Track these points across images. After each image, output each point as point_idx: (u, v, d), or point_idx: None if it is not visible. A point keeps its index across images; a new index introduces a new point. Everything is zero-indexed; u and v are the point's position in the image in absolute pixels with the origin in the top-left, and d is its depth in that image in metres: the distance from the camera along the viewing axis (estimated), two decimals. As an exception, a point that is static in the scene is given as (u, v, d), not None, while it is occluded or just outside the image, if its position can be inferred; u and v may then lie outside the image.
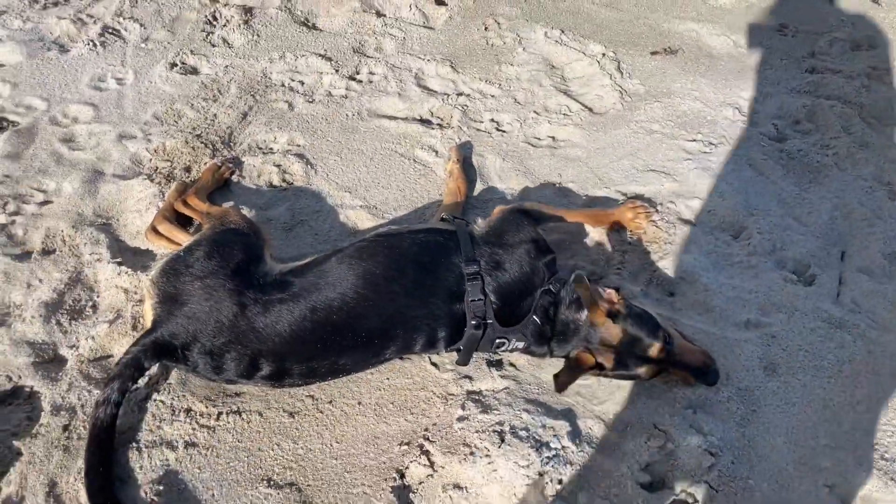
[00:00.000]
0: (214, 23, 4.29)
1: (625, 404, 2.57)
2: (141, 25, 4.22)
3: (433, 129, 3.64)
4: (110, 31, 4.16)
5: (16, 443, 2.33)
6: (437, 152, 3.49)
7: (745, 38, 4.47)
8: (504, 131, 3.68)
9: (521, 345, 2.58)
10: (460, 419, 2.49)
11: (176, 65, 3.93)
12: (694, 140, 3.66)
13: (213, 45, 4.12)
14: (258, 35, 4.21)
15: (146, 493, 2.24)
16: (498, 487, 2.31)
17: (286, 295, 2.38)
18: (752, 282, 2.98)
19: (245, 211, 3.12)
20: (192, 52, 4.04)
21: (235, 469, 2.34)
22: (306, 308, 2.35)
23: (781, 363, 2.73)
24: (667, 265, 3.02)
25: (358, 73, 3.98)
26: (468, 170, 3.38)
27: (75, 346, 2.63)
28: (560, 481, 2.32)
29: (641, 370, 2.49)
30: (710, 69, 4.20)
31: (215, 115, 3.61)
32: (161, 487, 2.27)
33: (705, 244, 3.14)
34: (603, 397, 2.60)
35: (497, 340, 2.54)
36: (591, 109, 3.84)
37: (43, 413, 2.41)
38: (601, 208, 3.25)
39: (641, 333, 2.46)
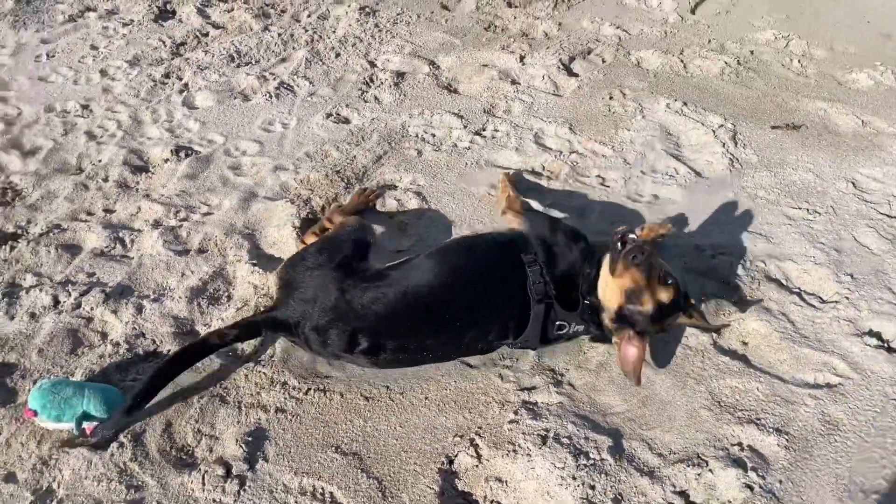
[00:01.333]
0: (370, 84, 4.96)
1: (674, 433, 2.69)
2: (310, 83, 4.98)
3: (540, 180, 3.98)
4: (285, 86, 4.94)
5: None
6: (536, 202, 3.81)
7: (876, 119, 4.47)
8: (608, 186, 3.95)
9: (580, 328, 2.88)
10: (511, 422, 2.73)
11: (332, 115, 4.60)
12: (798, 208, 3.74)
13: (366, 101, 4.77)
14: (405, 95, 4.82)
15: (237, 441, 2.68)
16: (534, 484, 2.52)
17: (382, 283, 2.83)
18: (832, 343, 3.00)
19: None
20: (347, 105, 4.71)
21: (312, 435, 2.72)
22: (398, 292, 2.80)
23: (845, 421, 2.73)
24: (746, 317, 3.12)
25: (484, 130, 4.44)
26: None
27: (208, 324, 3.18)
28: (592, 487, 2.48)
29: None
30: (832, 145, 4.25)
31: (355, 156, 4.19)
32: (250, 439, 2.69)
33: (789, 303, 3.20)
34: (653, 423, 2.74)
35: (558, 322, 2.85)
36: (698, 173, 4.02)
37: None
38: None
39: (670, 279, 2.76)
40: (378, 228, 3.60)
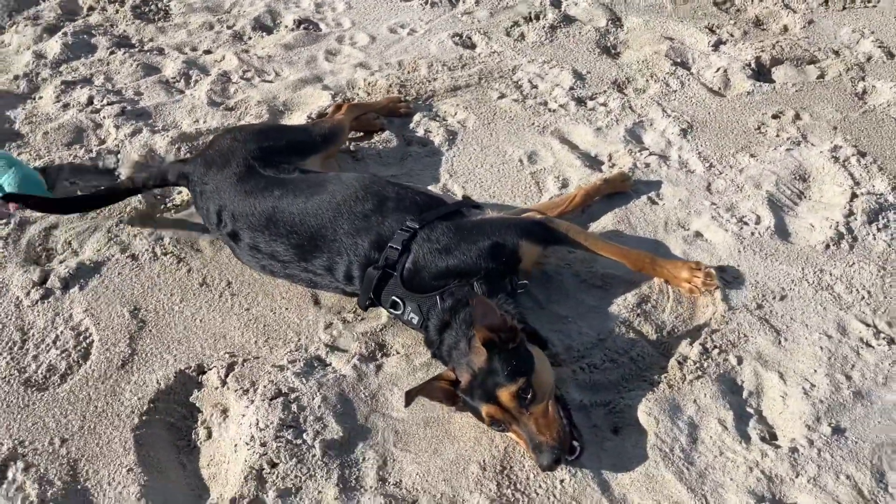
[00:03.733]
0: (531, 20, 4.52)
1: (423, 477, 2.18)
2: (476, 1, 4.70)
3: (590, 169, 3.33)
4: (450, -2, 4.74)
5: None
6: (560, 188, 3.21)
7: None
8: (655, 202, 3.16)
9: (415, 319, 2.43)
10: (278, 366, 2.45)
11: (460, 36, 4.31)
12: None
13: (509, 35, 4.38)
14: (551, 42, 4.31)
15: (83, 262, 2.80)
16: (230, 433, 2.26)
17: (282, 177, 2.73)
18: None
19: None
20: (485, 33, 4.37)
21: (132, 288, 2.74)
22: (281, 193, 2.65)
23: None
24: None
25: (590, 99, 3.81)
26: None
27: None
28: (274, 465, 2.15)
29: (483, 407, 2.13)
30: None
31: (436, 78, 3.90)
32: (88, 265, 2.80)
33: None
34: (411, 448, 2.25)
35: (393, 299, 2.45)
36: (781, 232, 3.01)
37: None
38: (648, 253, 2.74)
39: (502, 371, 2.10)
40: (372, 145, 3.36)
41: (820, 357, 2.48)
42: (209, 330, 2.58)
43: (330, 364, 2.47)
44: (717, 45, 4.27)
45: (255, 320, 2.63)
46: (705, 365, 2.45)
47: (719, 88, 3.94)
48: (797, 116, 3.70)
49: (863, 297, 2.71)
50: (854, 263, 2.86)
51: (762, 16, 4.63)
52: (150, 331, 2.58)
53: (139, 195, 3.05)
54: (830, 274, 2.82)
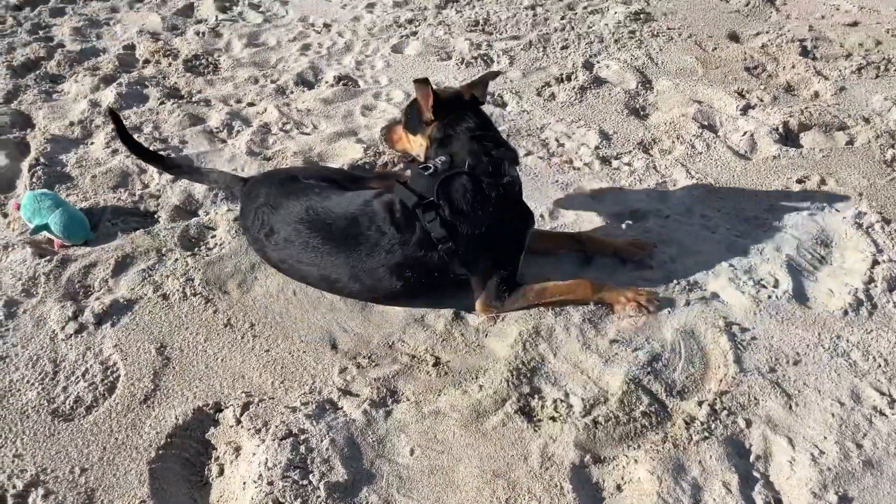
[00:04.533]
0: (563, 81, 4.64)
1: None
2: (510, 61, 4.85)
3: (611, 227, 3.40)
4: (485, 57, 4.90)
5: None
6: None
7: None
8: (675, 262, 3.19)
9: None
10: (291, 407, 2.53)
11: (493, 94, 4.45)
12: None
13: (539, 95, 4.51)
14: (580, 102, 4.42)
15: (117, 300, 2.95)
16: (243, 472, 2.34)
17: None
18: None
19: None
20: (517, 92, 4.50)
21: (160, 326, 2.87)
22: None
23: None
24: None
25: (615, 158, 3.89)
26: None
27: (207, 213, 3.48)
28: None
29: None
30: None
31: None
32: (122, 303, 2.95)
33: None
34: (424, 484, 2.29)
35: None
36: (800, 297, 3.02)
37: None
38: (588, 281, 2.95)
39: None
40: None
41: (831, 424, 2.46)
42: (229, 369, 2.68)
43: (341, 408, 2.54)
44: (745, 110, 4.33)
45: (274, 362, 2.72)
46: (713, 426, 2.45)
47: (745, 152, 3.98)
48: (823, 181, 3.72)
49: (879, 366, 2.69)
50: (872, 331, 2.84)
51: (793, 82, 4.68)
52: (174, 368, 2.69)
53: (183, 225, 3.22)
54: (847, 340, 2.80)
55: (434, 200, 2.79)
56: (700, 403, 2.54)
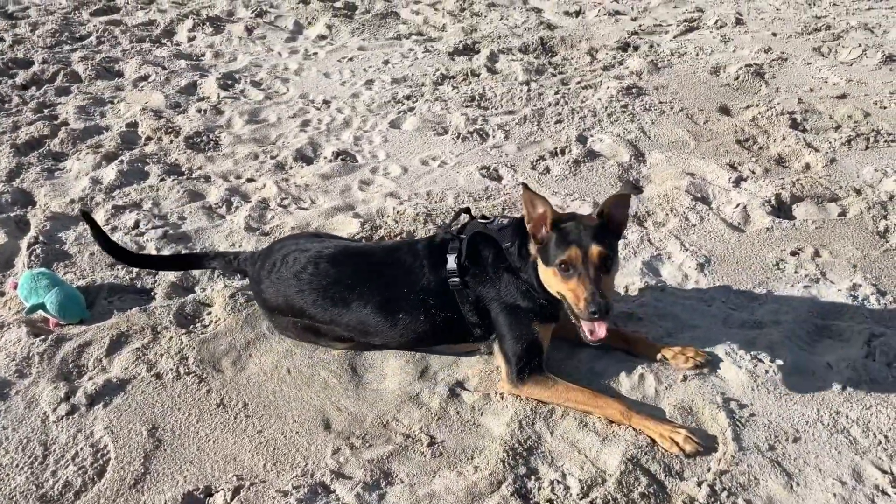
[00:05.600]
0: (557, 155, 4.73)
1: None
2: (505, 135, 4.96)
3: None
4: (481, 132, 5.02)
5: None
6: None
7: None
8: (672, 336, 3.19)
9: None
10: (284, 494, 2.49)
11: (488, 168, 4.54)
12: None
13: (534, 169, 4.58)
14: (574, 175, 4.49)
15: (108, 380, 2.93)
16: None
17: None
18: None
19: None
20: (512, 165, 4.58)
21: (152, 407, 2.84)
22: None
23: None
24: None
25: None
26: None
27: (204, 288, 3.49)
28: None
29: (572, 249, 2.63)
30: None
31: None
32: (115, 383, 2.93)
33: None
34: None
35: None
36: (801, 376, 3.00)
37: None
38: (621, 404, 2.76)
39: (601, 236, 2.68)
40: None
41: (833, 504, 2.42)
42: (221, 451, 2.65)
43: (334, 491, 2.50)
44: (737, 182, 4.39)
45: (267, 443, 2.69)
46: (713, 508, 2.40)
47: (739, 224, 4.02)
48: (816, 253, 3.74)
49: (880, 443, 2.65)
50: (871, 406, 2.81)
51: (784, 154, 4.76)
52: (165, 450, 2.65)
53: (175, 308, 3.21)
54: (847, 416, 2.77)
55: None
56: (700, 484, 2.49)
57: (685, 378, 2.91)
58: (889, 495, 2.45)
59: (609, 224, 2.73)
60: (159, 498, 2.47)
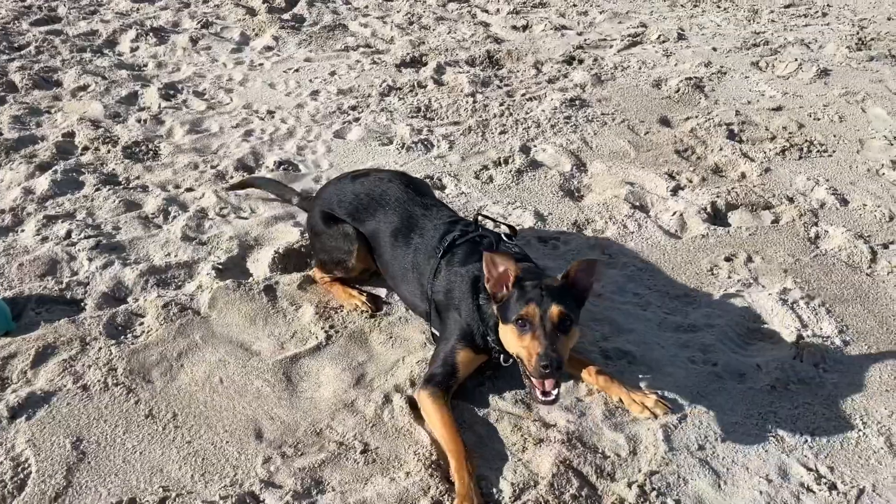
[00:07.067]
0: (500, 165, 4.76)
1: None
2: (450, 146, 4.97)
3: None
4: (426, 142, 5.04)
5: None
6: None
7: None
8: (607, 340, 3.22)
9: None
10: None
11: (432, 178, 4.53)
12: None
13: (478, 178, 4.59)
14: (517, 185, 4.52)
15: (34, 392, 2.84)
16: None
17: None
18: None
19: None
20: (456, 176, 4.59)
21: (77, 420, 2.76)
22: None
23: None
24: None
25: (551, 240, 3.95)
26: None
27: (137, 299, 3.42)
28: None
29: (529, 306, 2.61)
30: None
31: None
32: (40, 395, 2.84)
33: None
34: None
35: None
36: (733, 377, 3.05)
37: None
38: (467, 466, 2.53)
39: (563, 297, 2.65)
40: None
41: (758, 501, 2.46)
42: (147, 463, 2.58)
43: (262, 500, 2.46)
44: (675, 191, 4.48)
45: (195, 454, 2.63)
46: (642, 508, 2.42)
47: (675, 231, 4.09)
48: (749, 259, 3.82)
49: (805, 441, 2.71)
50: (799, 406, 2.87)
51: (721, 164, 4.87)
52: (89, 463, 2.57)
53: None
54: (775, 415, 2.83)
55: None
56: (630, 485, 2.51)
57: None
58: (814, 492, 2.50)
59: (572, 287, 2.69)
60: (80, 512, 2.39)
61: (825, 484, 2.53)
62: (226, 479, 2.53)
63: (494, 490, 2.49)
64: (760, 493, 2.49)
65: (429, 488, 2.49)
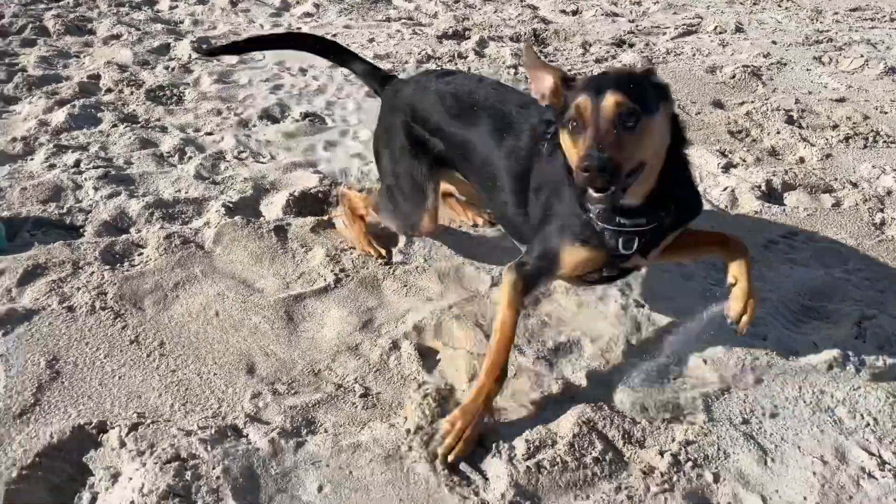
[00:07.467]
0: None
1: None
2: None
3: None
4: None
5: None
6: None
7: None
8: (643, 306, 2.90)
9: None
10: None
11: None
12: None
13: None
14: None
15: (30, 302, 2.63)
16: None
17: None
18: None
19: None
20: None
21: (57, 339, 2.53)
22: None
23: None
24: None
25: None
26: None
27: (140, 230, 3.19)
28: None
29: (582, 96, 2.01)
30: None
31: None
32: (31, 308, 2.62)
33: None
34: None
35: None
36: (784, 352, 2.71)
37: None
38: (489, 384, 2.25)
39: (627, 83, 2.02)
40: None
41: (812, 483, 2.11)
42: (125, 388, 2.34)
43: (246, 435, 2.19)
44: (727, 168, 4.14)
45: (178, 383, 2.38)
46: (675, 479, 2.10)
47: (726, 206, 3.75)
48: (808, 238, 3.47)
49: (868, 424, 2.36)
50: (860, 387, 2.52)
51: (778, 146, 4.51)
52: (62, 382, 2.34)
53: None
54: (832, 396, 2.48)
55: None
56: (662, 453, 2.19)
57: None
58: (876, 479, 2.15)
59: (653, 77, 2.08)
60: (45, 430, 2.15)
61: (889, 471, 2.18)
62: (208, 410, 2.28)
63: (507, 445, 2.18)
64: (814, 473, 2.16)
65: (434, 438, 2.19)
